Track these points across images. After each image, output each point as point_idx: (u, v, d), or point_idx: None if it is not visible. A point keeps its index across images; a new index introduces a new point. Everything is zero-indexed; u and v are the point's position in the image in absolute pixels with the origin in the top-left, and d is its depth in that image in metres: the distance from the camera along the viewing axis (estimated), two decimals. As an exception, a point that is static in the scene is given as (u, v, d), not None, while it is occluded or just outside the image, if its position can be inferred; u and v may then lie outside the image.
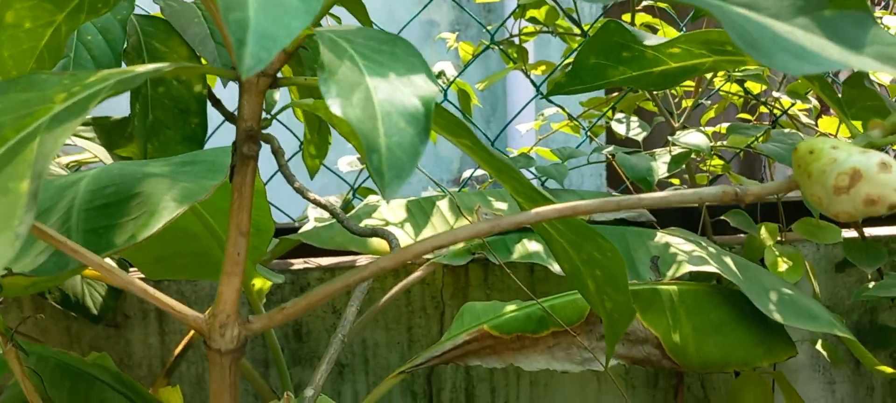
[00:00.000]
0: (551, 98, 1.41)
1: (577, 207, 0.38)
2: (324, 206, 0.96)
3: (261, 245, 0.73)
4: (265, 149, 1.02)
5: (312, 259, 1.31)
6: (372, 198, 1.23)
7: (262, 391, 1.03)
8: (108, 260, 0.38)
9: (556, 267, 1.01)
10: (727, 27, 0.32)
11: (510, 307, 0.94)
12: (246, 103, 0.39)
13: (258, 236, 0.72)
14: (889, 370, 1.04)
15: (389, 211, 1.14)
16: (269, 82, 0.39)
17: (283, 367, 1.05)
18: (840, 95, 0.47)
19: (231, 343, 0.38)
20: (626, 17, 1.20)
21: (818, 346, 1.20)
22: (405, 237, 1.10)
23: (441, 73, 1.28)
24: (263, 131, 1.05)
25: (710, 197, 0.40)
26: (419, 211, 1.13)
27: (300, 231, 1.17)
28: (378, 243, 1.06)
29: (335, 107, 0.29)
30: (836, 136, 1.24)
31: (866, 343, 1.29)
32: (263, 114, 0.43)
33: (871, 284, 1.14)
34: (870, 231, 1.27)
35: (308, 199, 0.99)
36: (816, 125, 1.32)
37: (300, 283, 1.26)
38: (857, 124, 0.47)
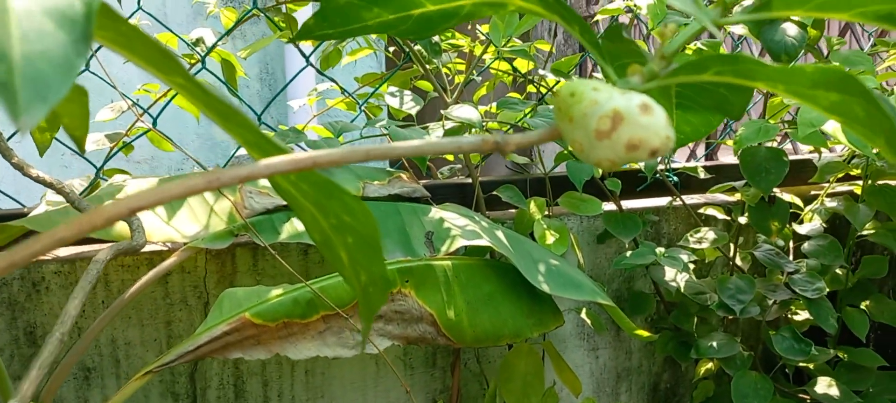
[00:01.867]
0: (326, 72, 1.34)
1: (316, 158, 0.32)
2: (49, 185, 0.82)
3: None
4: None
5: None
6: (118, 178, 1.08)
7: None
8: None
9: (326, 247, 0.94)
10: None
11: (276, 291, 0.86)
12: None
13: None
14: (645, 334, 1.10)
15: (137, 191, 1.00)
16: None
17: (5, 377, 0.88)
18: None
19: None
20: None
21: (583, 315, 1.25)
22: (157, 221, 0.98)
23: (199, 41, 1.16)
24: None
25: (469, 146, 0.35)
26: (174, 191, 1.01)
27: (28, 216, 1.00)
28: (124, 228, 0.93)
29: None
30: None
31: (625, 308, 1.37)
32: None
33: (629, 253, 1.21)
34: (626, 203, 1.34)
35: (29, 176, 0.84)
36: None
37: (33, 278, 1.09)
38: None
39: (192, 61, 1.24)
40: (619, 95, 0.34)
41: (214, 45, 1.17)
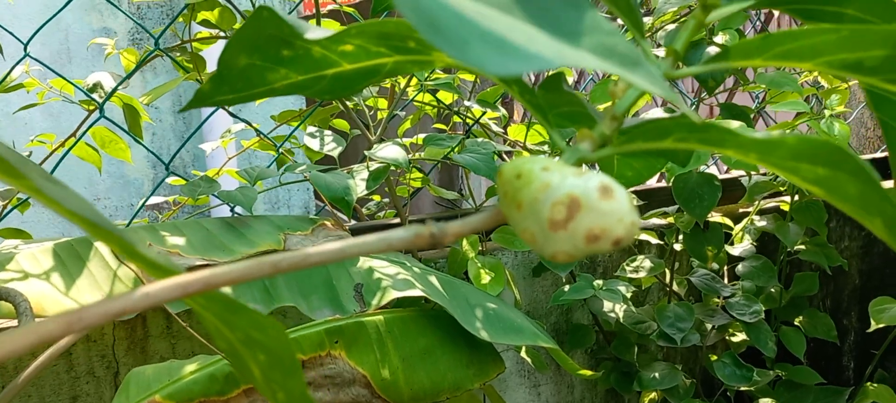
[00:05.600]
0: (242, 109, 1.26)
1: (208, 280, 0.26)
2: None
3: None
4: None
5: (-71, 328, 1.02)
6: (7, 244, 0.98)
7: None
8: None
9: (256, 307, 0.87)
10: (403, 8, 0.22)
11: (190, 367, 0.77)
12: None
13: None
14: (588, 372, 1.06)
15: (29, 260, 0.90)
16: None
17: None
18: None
19: None
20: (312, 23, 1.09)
21: (523, 353, 1.20)
22: (53, 291, 0.88)
23: (96, 86, 1.06)
24: None
25: (400, 242, 0.30)
26: (71, 257, 0.91)
27: None
28: (9, 306, 0.83)
29: None
30: (525, 145, 1.26)
31: (564, 343, 1.33)
32: None
33: (567, 287, 1.17)
34: (560, 234, 1.30)
35: None
36: (505, 132, 1.33)
37: (-89, 362, 0.96)
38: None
39: (91, 108, 1.15)
40: (574, 177, 0.29)
41: (114, 91, 1.08)
